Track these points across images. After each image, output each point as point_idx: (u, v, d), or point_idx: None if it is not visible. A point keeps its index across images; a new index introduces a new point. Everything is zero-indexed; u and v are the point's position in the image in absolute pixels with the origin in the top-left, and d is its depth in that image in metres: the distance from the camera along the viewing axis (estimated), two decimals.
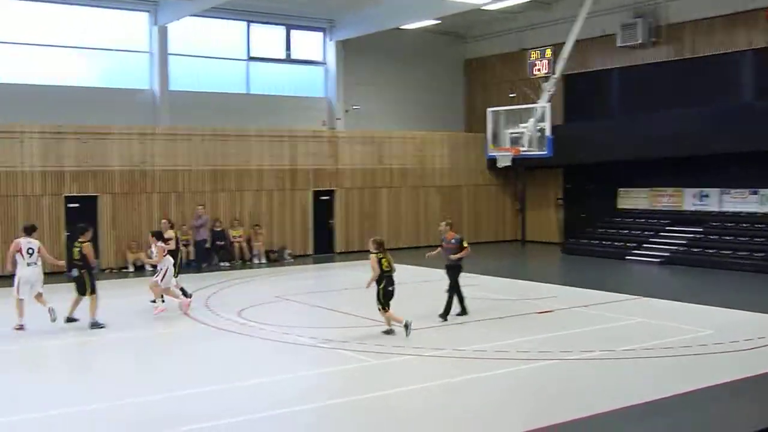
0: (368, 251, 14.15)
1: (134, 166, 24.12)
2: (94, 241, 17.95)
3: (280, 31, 28.80)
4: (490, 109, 28.34)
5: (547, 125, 26.33)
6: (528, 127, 26.79)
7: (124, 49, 25.68)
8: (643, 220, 27.23)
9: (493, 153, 28.14)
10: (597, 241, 27.18)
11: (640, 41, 26.34)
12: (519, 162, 28.29)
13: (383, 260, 13.77)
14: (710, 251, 23.83)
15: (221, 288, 19.96)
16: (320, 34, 29.53)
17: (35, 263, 14.87)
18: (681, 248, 24.74)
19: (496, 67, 32.23)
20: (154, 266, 17.11)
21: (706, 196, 26.03)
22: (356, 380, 11.39)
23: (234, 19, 27.43)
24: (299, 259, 26.37)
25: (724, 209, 25.48)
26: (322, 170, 27.74)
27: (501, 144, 27.77)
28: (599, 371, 11.67)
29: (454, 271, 15.19)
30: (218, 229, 25.03)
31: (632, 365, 11.95)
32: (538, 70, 27.58)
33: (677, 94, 26.09)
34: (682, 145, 24.84)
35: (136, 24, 25.73)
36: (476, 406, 9.97)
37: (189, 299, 16.65)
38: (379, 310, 13.83)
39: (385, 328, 13.91)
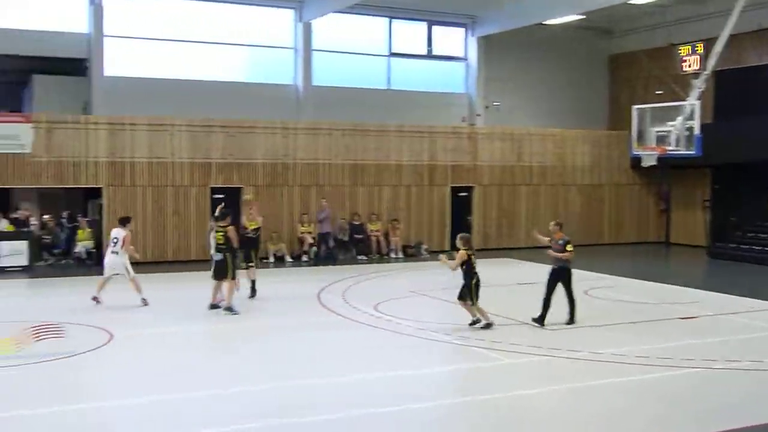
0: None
1: (277, 159, 24.77)
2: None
3: (422, 27, 28.91)
4: (635, 107, 27.41)
5: (696, 123, 25.21)
6: (676, 126, 25.72)
7: (270, 45, 26.44)
8: None
9: (637, 152, 27.19)
10: (747, 246, 25.88)
11: None
12: (664, 161, 27.28)
13: (472, 256, 13.77)
14: None
15: (358, 281, 20.20)
16: (462, 30, 29.45)
17: (116, 252, 15.98)
18: None
19: (643, 63, 31.18)
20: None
21: None
22: (489, 378, 11.27)
23: (376, 15, 27.74)
24: (435, 254, 26.37)
25: None
26: (461, 166, 27.65)
27: (646, 143, 26.77)
28: (746, 382, 11.09)
29: (559, 274, 14.45)
30: (357, 223, 25.40)
31: None
32: (688, 66, 26.46)
33: None
34: None
35: (282, 21, 26.43)
36: (611, 411, 9.68)
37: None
38: (469, 304, 13.82)
39: (474, 319, 13.96)
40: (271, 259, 24.13)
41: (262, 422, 8.97)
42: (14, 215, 23.09)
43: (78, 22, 24.34)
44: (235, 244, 15.58)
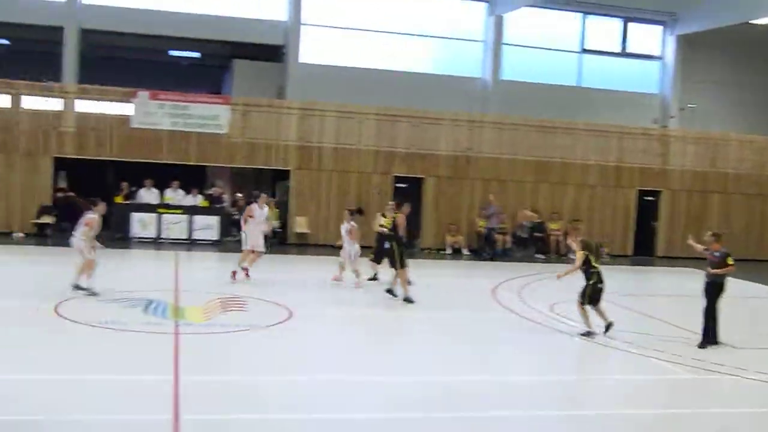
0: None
1: (460, 152, 24.75)
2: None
3: (617, 23, 28.07)
4: None
5: None
6: None
7: (460, 37, 26.45)
8: None
9: None
10: None
11: None
12: None
13: (590, 257, 13.37)
14: None
15: (535, 280, 19.88)
16: (660, 28, 28.37)
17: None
18: None
19: None
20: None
21: None
22: (666, 392, 10.77)
23: (570, 11, 27.16)
24: (616, 259, 25.52)
25: None
26: (650, 169, 26.58)
27: None
28: None
29: (713, 288, 13.46)
30: (538, 221, 24.98)
31: None
32: None
33: None
34: None
35: (473, 13, 26.37)
36: None
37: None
38: (580, 304, 13.26)
39: (584, 330, 13.24)
40: (449, 251, 24.17)
41: (434, 413, 8.97)
42: (209, 192, 24.35)
43: (277, 11, 25.35)
44: (402, 232, 15.63)
